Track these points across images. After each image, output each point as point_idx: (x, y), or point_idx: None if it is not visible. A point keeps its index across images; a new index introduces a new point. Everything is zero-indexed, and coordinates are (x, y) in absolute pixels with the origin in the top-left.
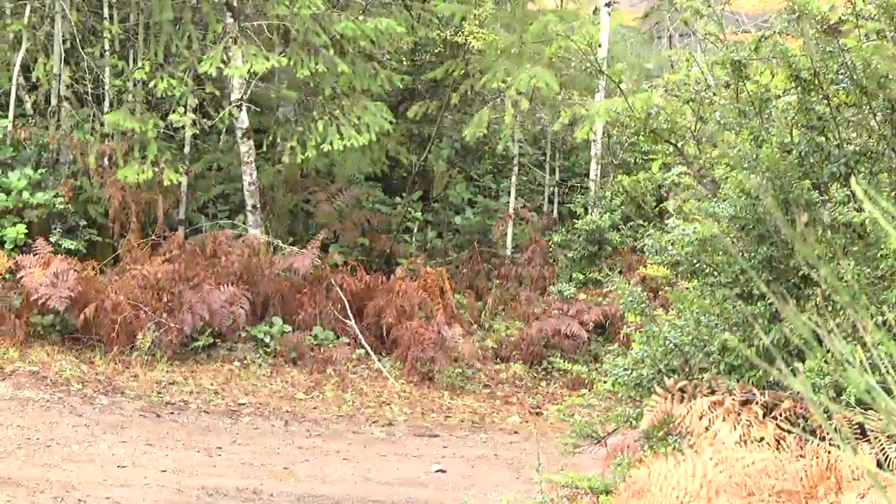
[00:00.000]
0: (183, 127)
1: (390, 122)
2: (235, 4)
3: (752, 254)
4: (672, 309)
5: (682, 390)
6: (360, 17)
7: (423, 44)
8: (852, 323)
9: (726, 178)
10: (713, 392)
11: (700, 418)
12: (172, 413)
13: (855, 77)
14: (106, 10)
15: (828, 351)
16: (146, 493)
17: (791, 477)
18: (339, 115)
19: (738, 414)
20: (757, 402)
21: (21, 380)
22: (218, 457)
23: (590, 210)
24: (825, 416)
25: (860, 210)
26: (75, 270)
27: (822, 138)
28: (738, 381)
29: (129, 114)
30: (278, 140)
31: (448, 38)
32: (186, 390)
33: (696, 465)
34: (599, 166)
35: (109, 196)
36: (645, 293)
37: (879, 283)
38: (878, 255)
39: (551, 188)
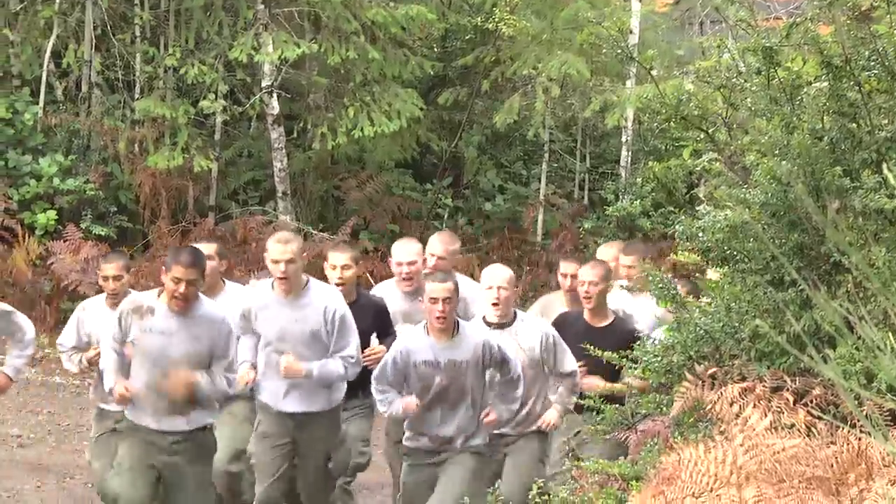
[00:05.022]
0: (213, 113)
1: (421, 109)
2: None
3: (784, 240)
4: (703, 295)
5: (712, 377)
6: (391, 4)
7: (453, 30)
8: (883, 310)
9: (757, 164)
10: (744, 379)
11: (731, 405)
12: None
13: (886, 63)
14: None
15: (859, 338)
16: None
17: (822, 464)
18: (369, 102)
19: (769, 401)
20: (788, 389)
21: (51, 366)
22: None
23: (620, 197)
24: (856, 402)
25: (892, 196)
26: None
27: (854, 125)
28: (768, 367)
29: (159, 100)
30: (309, 126)
31: (479, 24)
32: None
33: (726, 451)
34: (630, 153)
35: (140, 182)
36: (676, 280)
37: None
38: None
39: (582, 175)
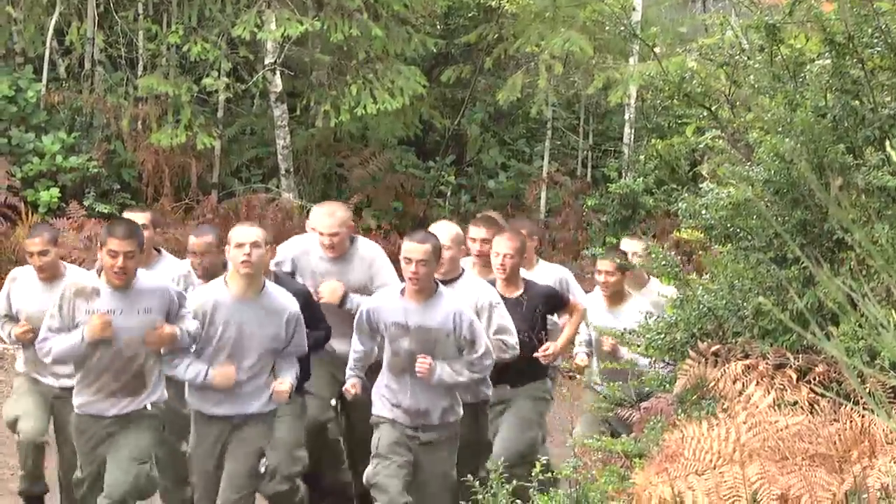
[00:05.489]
0: (216, 91)
1: (424, 86)
2: None
3: (786, 218)
4: (706, 273)
5: (715, 354)
6: None
7: (456, 7)
8: (886, 287)
9: (760, 141)
10: (747, 356)
11: (734, 382)
12: None
13: (889, 41)
14: None
15: (862, 315)
16: None
17: (825, 441)
18: (372, 79)
19: (772, 378)
20: (791, 366)
21: None
22: None
23: (623, 174)
24: (859, 379)
25: (894, 174)
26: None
27: (857, 102)
28: (771, 344)
29: (162, 78)
30: (312, 104)
31: (482, 1)
32: None
33: (729, 428)
34: (633, 130)
35: (143, 160)
36: (679, 257)
37: None
38: None
39: (585, 152)
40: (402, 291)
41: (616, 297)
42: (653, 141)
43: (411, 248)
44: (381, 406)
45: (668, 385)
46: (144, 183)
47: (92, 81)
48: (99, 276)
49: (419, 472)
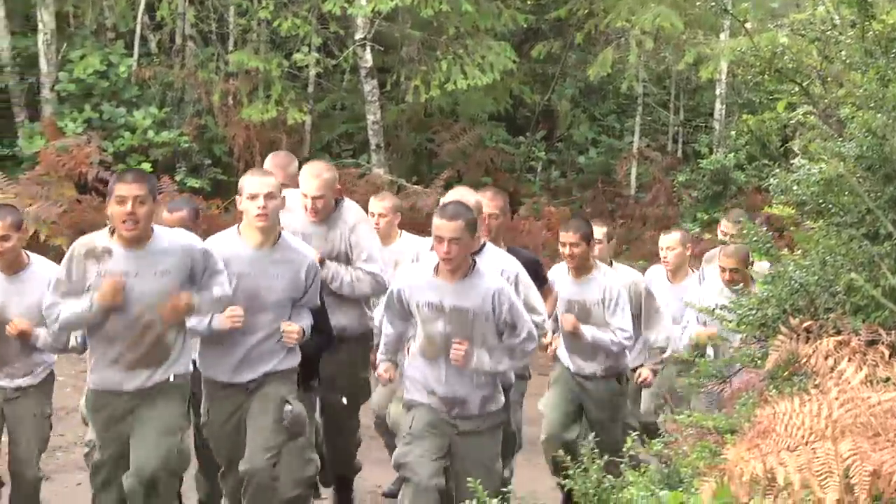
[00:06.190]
0: (307, 66)
1: (514, 62)
2: None
3: (879, 194)
4: (797, 249)
5: (807, 330)
6: None
7: None
8: None
9: (852, 117)
10: (839, 332)
11: (825, 358)
12: None
13: None
14: None
15: None
16: None
17: None
18: (462, 55)
19: (864, 354)
20: (883, 343)
21: None
22: None
23: (714, 149)
24: None
25: None
26: (200, 209)
27: None
28: (863, 321)
29: (253, 53)
30: (402, 79)
31: None
32: None
33: (821, 405)
34: (724, 106)
35: (234, 135)
36: (770, 233)
37: None
38: None
39: (675, 128)
40: (436, 268)
41: (582, 267)
42: (744, 116)
43: (442, 225)
44: (414, 390)
45: (759, 361)
46: (235, 158)
47: (183, 56)
48: (111, 235)
49: (457, 462)
